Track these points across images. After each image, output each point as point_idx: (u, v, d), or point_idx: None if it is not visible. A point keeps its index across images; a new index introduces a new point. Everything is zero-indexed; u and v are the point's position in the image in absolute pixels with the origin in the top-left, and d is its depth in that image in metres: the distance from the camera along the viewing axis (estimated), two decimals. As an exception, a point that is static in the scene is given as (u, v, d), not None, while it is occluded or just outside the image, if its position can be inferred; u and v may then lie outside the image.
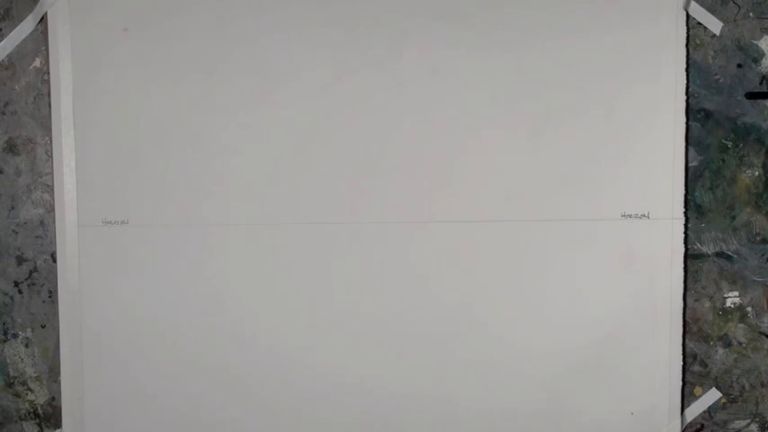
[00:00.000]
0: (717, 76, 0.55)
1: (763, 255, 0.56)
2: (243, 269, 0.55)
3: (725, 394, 0.56)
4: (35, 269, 0.56)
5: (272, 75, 0.54)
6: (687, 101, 0.54)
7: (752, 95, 0.55)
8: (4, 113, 0.55)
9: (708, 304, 0.56)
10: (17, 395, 0.56)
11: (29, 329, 0.56)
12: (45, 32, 0.54)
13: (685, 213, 0.54)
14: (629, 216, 0.54)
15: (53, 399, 0.56)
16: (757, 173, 0.55)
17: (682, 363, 0.55)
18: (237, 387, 0.55)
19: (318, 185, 0.54)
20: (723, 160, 0.55)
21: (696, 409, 0.56)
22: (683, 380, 0.55)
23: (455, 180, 0.54)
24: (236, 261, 0.54)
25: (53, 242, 0.55)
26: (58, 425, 0.55)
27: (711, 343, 0.56)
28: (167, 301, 0.55)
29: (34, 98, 0.55)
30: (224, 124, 0.54)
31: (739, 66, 0.55)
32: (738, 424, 0.57)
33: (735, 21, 0.55)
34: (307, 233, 0.54)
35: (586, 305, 0.55)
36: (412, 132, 0.54)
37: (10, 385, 0.56)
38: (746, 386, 0.56)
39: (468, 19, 0.54)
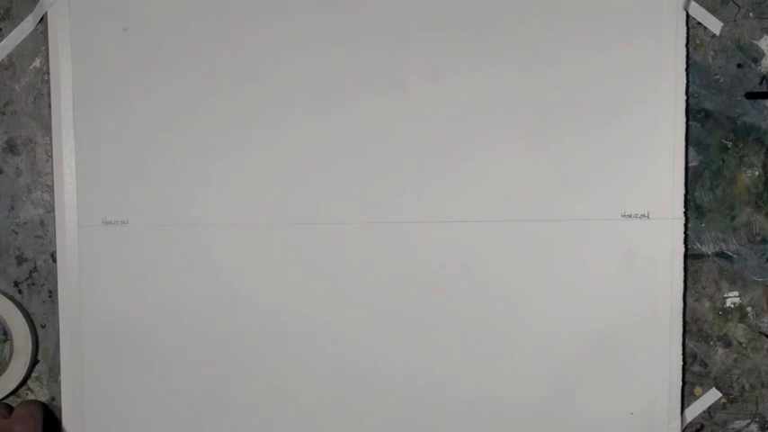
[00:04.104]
0: (717, 76, 0.55)
1: (763, 255, 0.56)
2: (243, 269, 0.54)
3: (725, 394, 0.56)
4: (35, 269, 0.56)
5: (273, 75, 0.54)
6: (687, 101, 0.54)
7: (752, 95, 0.55)
8: (4, 113, 0.55)
9: (708, 304, 0.56)
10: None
11: (29, 329, 0.56)
12: (45, 32, 0.54)
13: (685, 213, 0.54)
14: (629, 216, 0.54)
15: (53, 399, 0.56)
16: (757, 173, 0.55)
17: (682, 363, 0.55)
18: (239, 387, 0.55)
19: (319, 186, 0.54)
20: (723, 160, 0.55)
21: (696, 409, 0.56)
22: (683, 380, 0.55)
23: (454, 180, 0.54)
24: (237, 261, 0.54)
25: (53, 242, 0.55)
26: (58, 427, 0.55)
27: (711, 343, 0.56)
28: (167, 301, 0.55)
29: (34, 98, 0.55)
30: (224, 124, 0.54)
31: (739, 66, 0.55)
32: (738, 424, 0.57)
33: (735, 21, 0.55)
34: (307, 233, 0.54)
35: (586, 305, 0.55)
36: (412, 133, 0.54)
37: (10, 385, 0.56)
38: (746, 386, 0.56)
39: (469, 21, 0.54)
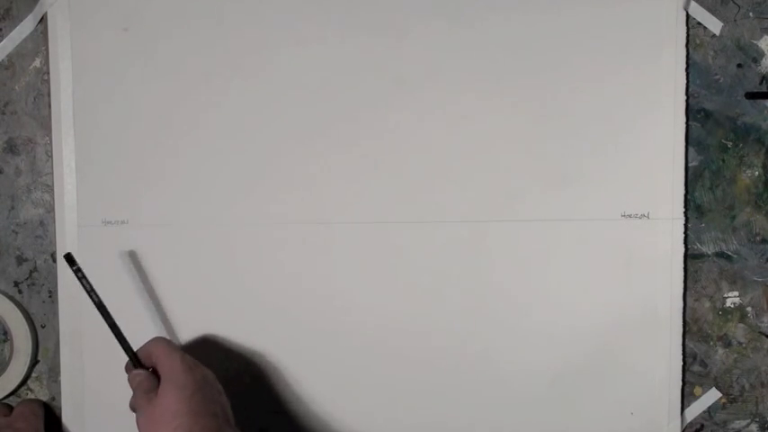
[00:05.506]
0: (717, 76, 0.55)
1: (763, 255, 0.56)
2: (243, 269, 0.55)
3: (725, 394, 0.56)
4: (35, 269, 0.56)
5: (272, 75, 0.54)
6: (687, 101, 0.54)
7: (752, 95, 0.55)
8: (4, 113, 0.55)
9: (708, 304, 0.56)
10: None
11: (29, 329, 0.56)
12: (45, 32, 0.54)
13: (685, 213, 0.55)
14: (629, 216, 0.54)
15: (53, 399, 0.56)
16: (757, 173, 0.55)
17: (682, 363, 0.55)
18: (237, 388, 0.55)
19: (318, 185, 0.54)
20: (723, 160, 0.55)
21: (696, 409, 0.56)
22: (683, 380, 0.55)
23: (454, 180, 0.54)
24: (237, 261, 0.54)
25: (53, 242, 0.55)
26: (58, 424, 0.55)
27: (711, 343, 0.56)
28: (167, 301, 0.55)
29: (34, 98, 0.55)
30: (224, 124, 0.54)
31: (739, 66, 0.55)
32: (738, 424, 0.57)
33: (735, 21, 0.55)
34: (306, 233, 0.54)
35: (586, 305, 0.55)
36: (410, 132, 0.54)
37: (10, 385, 0.56)
38: (746, 386, 0.56)
39: (469, 20, 0.54)
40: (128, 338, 0.50)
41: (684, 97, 0.54)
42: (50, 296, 0.56)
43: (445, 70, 0.54)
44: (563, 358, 0.55)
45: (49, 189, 0.55)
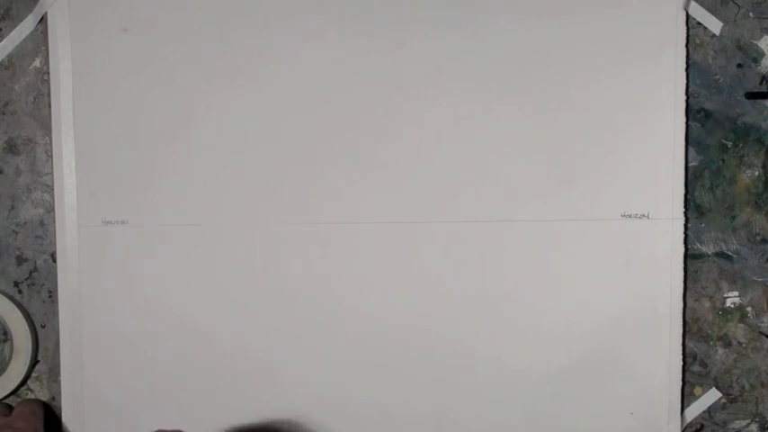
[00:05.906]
0: (717, 76, 0.55)
1: (763, 255, 0.56)
2: (243, 270, 0.55)
3: (725, 394, 0.56)
4: (35, 269, 0.56)
5: (273, 75, 0.54)
6: (687, 101, 0.54)
7: (752, 95, 0.55)
8: (4, 113, 0.55)
9: (708, 304, 0.56)
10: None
11: (29, 329, 0.56)
12: (45, 32, 0.54)
13: (685, 213, 0.55)
14: (629, 216, 0.54)
15: (53, 399, 0.56)
16: (757, 173, 0.55)
17: (682, 363, 0.55)
18: (237, 388, 0.55)
19: (319, 186, 0.54)
20: (723, 160, 0.55)
21: (696, 409, 0.56)
22: (683, 380, 0.55)
23: (454, 180, 0.54)
24: (237, 262, 0.54)
25: (53, 242, 0.55)
26: (58, 424, 0.55)
27: (711, 343, 0.56)
28: (167, 301, 0.55)
29: (34, 98, 0.55)
30: (224, 124, 0.54)
31: (739, 66, 0.55)
32: (738, 424, 0.57)
33: (735, 21, 0.55)
34: (307, 234, 0.54)
35: (586, 305, 0.55)
36: (412, 134, 0.54)
37: (10, 385, 0.56)
38: (746, 386, 0.56)
39: (470, 23, 0.54)
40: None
41: (684, 97, 0.54)
42: (50, 296, 0.56)
43: (446, 73, 0.54)
44: (563, 357, 0.55)
45: (49, 189, 0.55)
